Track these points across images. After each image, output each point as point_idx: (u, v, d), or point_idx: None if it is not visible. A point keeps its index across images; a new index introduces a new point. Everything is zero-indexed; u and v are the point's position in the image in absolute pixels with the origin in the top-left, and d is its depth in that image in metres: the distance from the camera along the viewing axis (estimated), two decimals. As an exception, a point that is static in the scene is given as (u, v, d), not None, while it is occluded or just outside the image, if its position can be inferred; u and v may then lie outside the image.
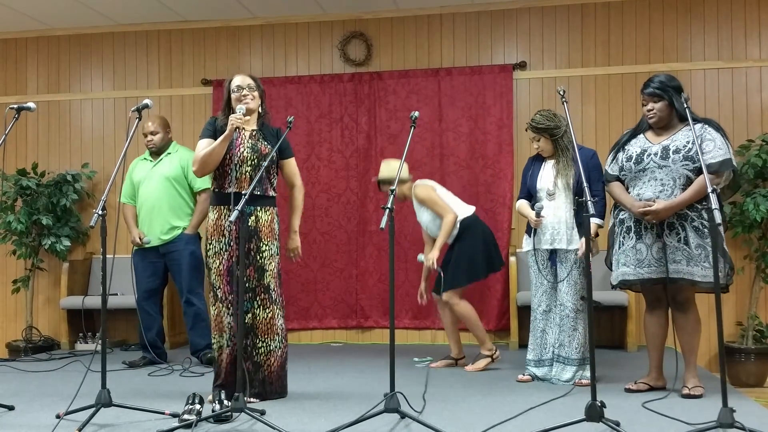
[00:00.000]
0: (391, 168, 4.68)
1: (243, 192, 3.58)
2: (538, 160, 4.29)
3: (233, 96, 3.74)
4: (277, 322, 3.71)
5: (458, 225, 4.59)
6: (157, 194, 4.89)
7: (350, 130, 6.05)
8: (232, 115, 3.60)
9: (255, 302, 3.68)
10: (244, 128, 3.74)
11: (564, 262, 4.10)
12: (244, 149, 3.70)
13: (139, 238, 4.92)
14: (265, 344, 3.70)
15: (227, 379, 3.69)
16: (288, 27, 6.23)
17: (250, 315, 3.67)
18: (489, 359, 4.61)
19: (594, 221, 3.92)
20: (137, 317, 5.01)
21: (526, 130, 4.25)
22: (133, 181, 5.06)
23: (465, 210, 4.66)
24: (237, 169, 3.68)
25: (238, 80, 3.77)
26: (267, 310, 3.69)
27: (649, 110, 3.79)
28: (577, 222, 4.07)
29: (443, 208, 4.58)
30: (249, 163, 3.69)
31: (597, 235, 4.06)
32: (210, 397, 3.61)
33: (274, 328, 3.71)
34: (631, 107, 5.69)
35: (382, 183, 4.71)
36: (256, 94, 3.77)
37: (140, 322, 5.01)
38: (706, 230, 3.63)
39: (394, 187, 3.35)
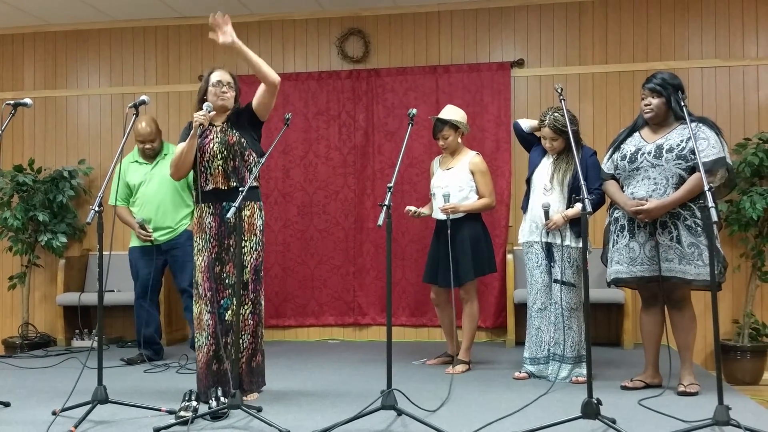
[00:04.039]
0: (463, 115, 4.59)
1: (221, 187, 3.64)
2: (541, 152, 4.29)
3: (212, 90, 3.72)
4: (247, 319, 3.68)
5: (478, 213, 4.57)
6: (161, 196, 4.91)
7: (348, 127, 6.04)
8: (196, 113, 3.61)
9: (235, 299, 3.66)
10: (214, 124, 3.74)
11: (558, 260, 4.10)
12: (214, 144, 3.69)
13: (144, 229, 4.93)
14: (242, 340, 3.67)
15: (205, 381, 3.65)
16: (285, 23, 6.22)
17: (230, 312, 3.65)
18: (467, 366, 4.54)
19: (577, 206, 3.88)
20: (134, 314, 5.01)
21: (541, 128, 4.20)
22: (129, 184, 5.05)
23: None
24: (210, 164, 3.68)
25: (219, 75, 3.75)
26: (245, 307, 3.67)
27: (646, 105, 3.80)
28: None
29: (491, 191, 4.54)
30: (219, 157, 3.67)
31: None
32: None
33: (245, 324, 3.68)
34: (628, 105, 5.69)
35: (443, 123, 4.53)
36: (233, 93, 3.76)
37: (136, 318, 5.01)
38: (699, 229, 3.64)
39: (391, 184, 3.33)
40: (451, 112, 4.59)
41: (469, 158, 4.57)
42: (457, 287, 4.59)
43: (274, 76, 3.65)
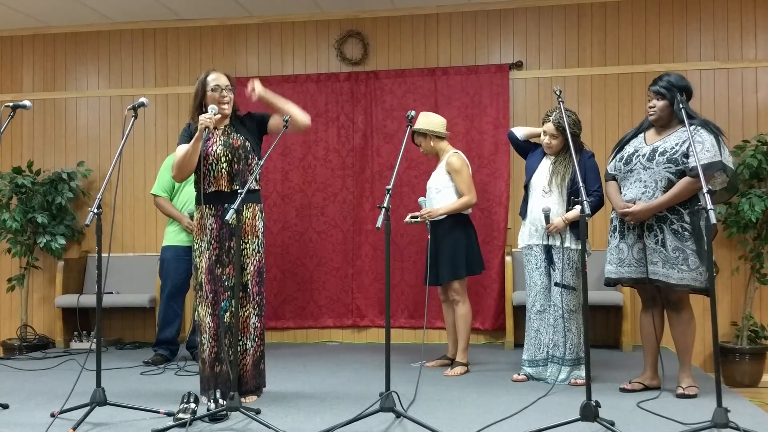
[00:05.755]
0: (430, 121, 4.60)
1: (223, 190, 3.64)
2: (539, 156, 4.29)
3: (211, 95, 3.71)
4: (250, 321, 3.68)
5: (464, 212, 4.56)
6: None
7: (346, 129, 6.04)
8: (201, 116, 3.58)
9: (234, 301, 3.66)
10: (216, 127, 3.73)
11: (558, 262, 4.10)
12: (217, 147, 3.69)
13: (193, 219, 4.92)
14: (242, 343, 3.67)
15: (213, 380, 3.66)
16: (284, 26, 6.23)
17: (229, 314, 3.64)
18: (465, 368, 4.52)
19: (576, 209, 3.84)
20: (132, 316, 5.00)
21: (544, 123, 4.19)
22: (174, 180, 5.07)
23: None
24: (213, 167, 3.68)
25: (217, 79, 3.73)
26: (243, 309, 3.67)
27: (650, 107, 3.81)
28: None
29: (469, 187, 4.50)
30: (223, 159, 3.68)
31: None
32: (203, 398, 3.59)
33: (249, 327, 3.68)
34: (626, 107, 5.70)
35: (418, 135, 4.63)
36: (232, 96, 3.77)
37: (162, 317, 5.02)
38: (686, 233, 3.64)
39: (390, 186, 3.34)
40: (418, 122, 4.62)
41: (446, 158, 4.59)
42: (437, 286, 4.63)
43: (306, 121, 3.77)
